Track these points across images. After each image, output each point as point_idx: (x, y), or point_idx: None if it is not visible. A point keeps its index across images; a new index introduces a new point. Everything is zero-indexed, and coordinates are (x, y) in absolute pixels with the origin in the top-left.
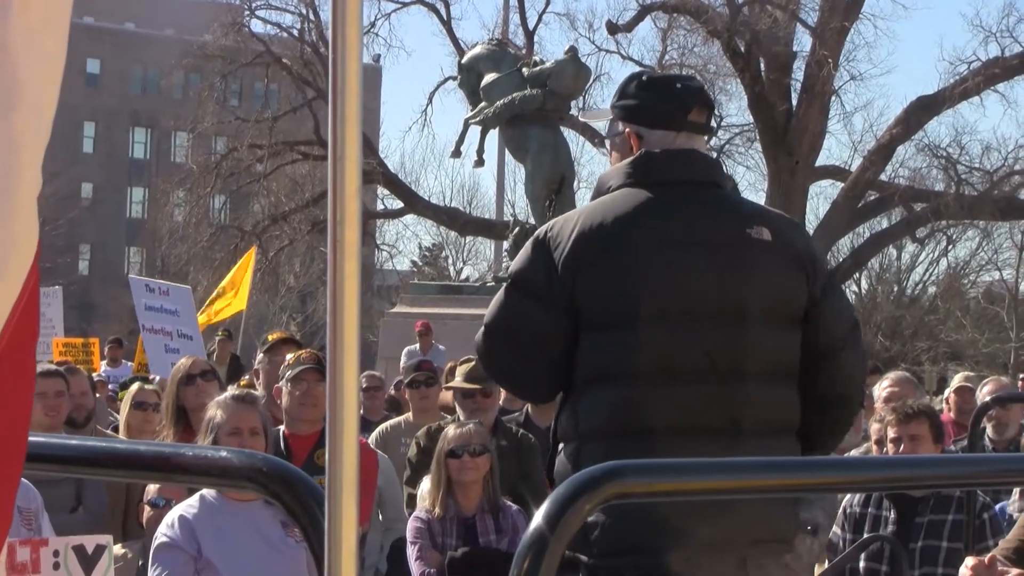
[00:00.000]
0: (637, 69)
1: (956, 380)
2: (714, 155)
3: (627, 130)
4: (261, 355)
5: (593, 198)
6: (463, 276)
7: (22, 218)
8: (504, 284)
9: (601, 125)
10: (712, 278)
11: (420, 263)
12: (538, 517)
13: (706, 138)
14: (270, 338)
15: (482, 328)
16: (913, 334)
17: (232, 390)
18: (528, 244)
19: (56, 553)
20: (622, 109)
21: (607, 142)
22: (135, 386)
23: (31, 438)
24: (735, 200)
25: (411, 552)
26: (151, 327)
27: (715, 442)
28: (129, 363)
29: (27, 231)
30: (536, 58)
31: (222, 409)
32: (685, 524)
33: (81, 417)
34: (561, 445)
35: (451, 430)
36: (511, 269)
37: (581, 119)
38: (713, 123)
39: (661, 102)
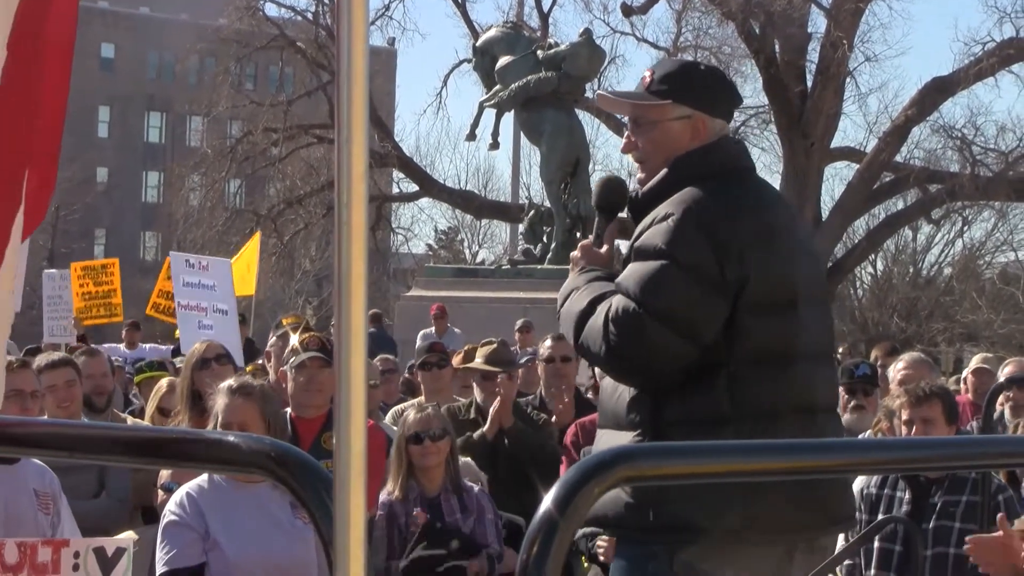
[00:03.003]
0: (653, 51)
1: (974, 361)
2: None
3: (695, 115)
4: (273, 339)
5: (675, 179)
6: (479, 259)
7: None
8: (663, 263)
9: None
10: (813, 264)
11: (436, 246)
12: (547, 500)
13: None
14: (284, 322)
15: (636, 307)
16: (929, 315)
17: (231, 380)
18: (680, 223)
19: (76, 555)
20: (689, 95)
21: (637, 123)
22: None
23: (42, 421)
24: None
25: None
26: (186, 304)
27: (830, 419)
28: (145, 346)
29: None
30: (551, 40)
31: (219, 398)
32: (744, 505)
33: (102, 401)
34: (678, 430)
35: (411, 414)
36: (666, 247)
37: (603, 93)
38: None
39: (726, 93)
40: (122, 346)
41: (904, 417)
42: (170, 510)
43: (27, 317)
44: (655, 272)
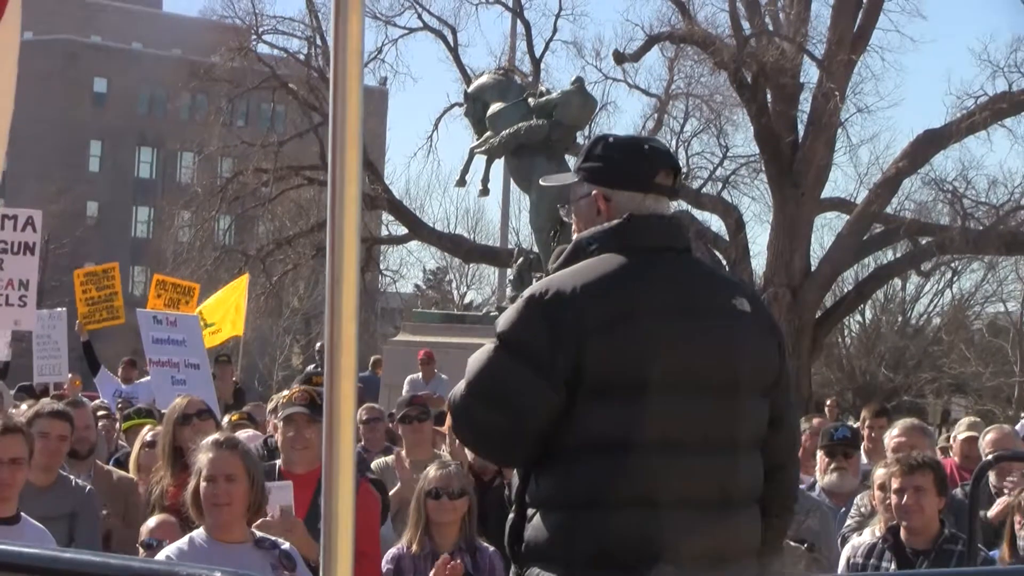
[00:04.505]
0: (645, 98)
1: (961, 427)
2: (720, 185)
3: (594, 191)
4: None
5: (570, 259)
6: (467, 300)
7: None
8: (494, 345)
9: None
10: (711, 349)
11: (424, 286)
12: None
13: (673, 202)
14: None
15: (463, 387)
16: (917, 365)
17: (217, 435)
18: (521, 305)
19: None
20: (589, 171)
21: (570, 205)
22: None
23: (28, 550)
24: (711, 268)
25: None
26: (158, 360)
27: (707, 514)
28: (141, 380)
29: None
30: (542, 88)
31: (203, 453)
32: (663, 538)
33: (84, 450)
34: (534, 511)
35: (432, 470)
36: (501, 328)
37: (542, 183)
38: (679, 184)
39: (628, 163)
40: (119, 380)
41: (895, 486)
42: None
43: (16, 349)
44: (486, 355)
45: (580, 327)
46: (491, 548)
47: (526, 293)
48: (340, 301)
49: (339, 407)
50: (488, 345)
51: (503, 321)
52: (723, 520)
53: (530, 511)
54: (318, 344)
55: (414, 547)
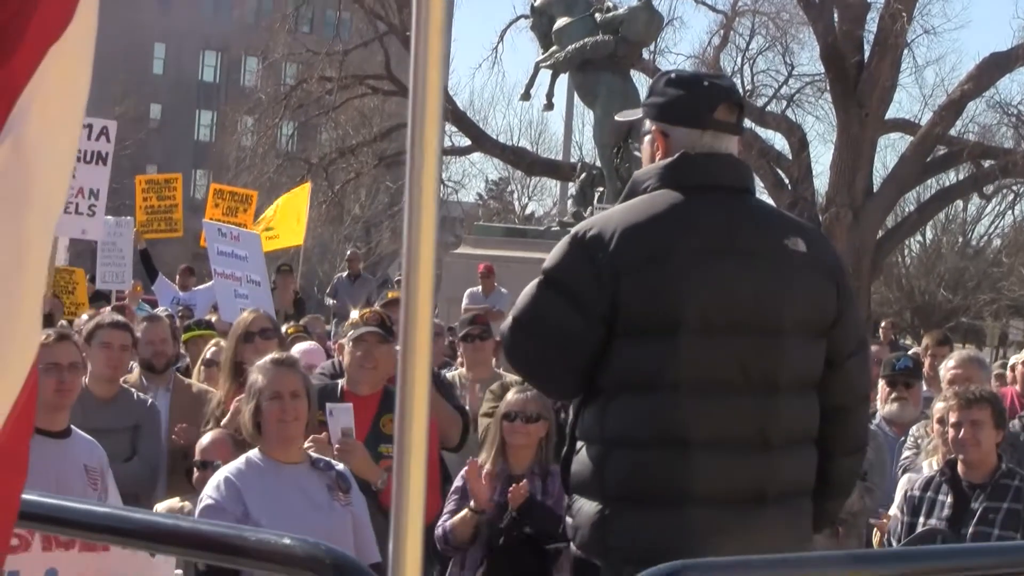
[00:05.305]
0: (711, 15)
1: (1023, 354)
2: (784, 104)
3: (654, 128)
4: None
5: (627, 197)
6: (528, 211)
7: (25, 317)
8: (538, 280)
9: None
10: (752, 289)
11: (486, 196)
12: None
13: (736, 138)
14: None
15: (510, 319)
16: (976, 286)
17: (274, 354)
18: (566, 242)
19: None
20: (649, 107)
21: (639, 140)
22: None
23: (101, 508)
24: (770, 208)
25: (447, 505)
26: (222, 272)
27: (745, 456)
28: (198, 288)
29: (29, 330)
30: (609, 3)
31: (262, 374)
32: (694, 477)
33: (161, 364)
34: (581, 444)
35: (512, 393)
36: (546, 265)
37: (618, 119)
38: (745, 121)
39: (686, 99)
40: (176, 288)
41: (952, 419)
42: (208, 494)
43: (74, 249)
44: (531, 288)
45: (617, 266)
46: None
47: (572, 230)
48: (418, 234)
49: (415, 333)
50: (535, 280)
51: (549, 257)
52: (760, 460)
53: (578, 444)
54: (348, 251)
55: (487, 466)
